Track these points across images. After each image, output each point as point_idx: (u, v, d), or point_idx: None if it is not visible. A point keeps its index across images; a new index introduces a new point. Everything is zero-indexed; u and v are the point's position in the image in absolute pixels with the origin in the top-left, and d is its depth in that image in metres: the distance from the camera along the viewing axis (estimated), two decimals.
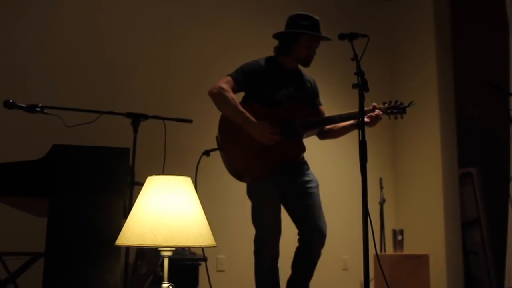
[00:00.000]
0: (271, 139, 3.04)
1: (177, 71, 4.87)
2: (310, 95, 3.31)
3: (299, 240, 3.12)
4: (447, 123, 5.67)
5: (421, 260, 4.69)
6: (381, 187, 5.23)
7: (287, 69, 3.26)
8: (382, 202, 5.19)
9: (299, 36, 3.17)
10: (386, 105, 3.17)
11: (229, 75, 3.19)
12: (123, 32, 4.68)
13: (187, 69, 4.91)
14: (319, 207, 3.14)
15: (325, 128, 3.34)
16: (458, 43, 6.08)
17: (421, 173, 5.72)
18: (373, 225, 2.42)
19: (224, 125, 3.15)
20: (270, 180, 3.08)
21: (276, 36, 3.28)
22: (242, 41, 5.21)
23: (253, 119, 3.04)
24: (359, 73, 2.54)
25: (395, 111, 3.15)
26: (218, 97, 3.12)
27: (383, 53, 6.22)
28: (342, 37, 2.64)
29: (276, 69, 3.23)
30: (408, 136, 5.92)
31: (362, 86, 2.52)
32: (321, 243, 3.09)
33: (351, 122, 3.18)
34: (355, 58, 2.57)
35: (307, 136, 3.26)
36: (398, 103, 3.16)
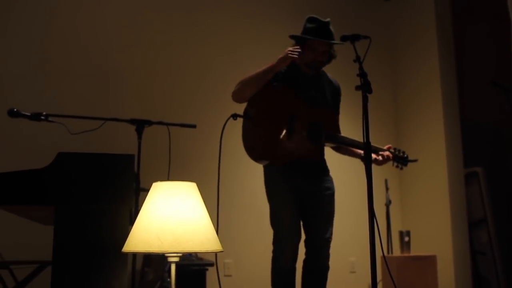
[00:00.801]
0: (295, 51, 3.01)
1: (180, 77, 4.87)
2: (331, 99, 3.29)
3: (306, 252, 3.13)
4: (451, 122, 5.66)
5: (429, 261, 4.68)
6: (387, 189, 5.21)
7: (307, 74, 3.23)
8: (388, 204, 5.18)
9: (305, 40, 3.13)
10: (396, 152, 3.32)
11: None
12: (125, 39, 4.70)
13: (190, 74, 4.92)
14: (333, 216, 3.17)
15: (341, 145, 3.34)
16: (460, 42, 6.07)
17: (426, 174, 5.70)
18: (379, 227, 2.41)
19: (258, 102, 3.14)
20: (288, 182, 3.07)
21: (291, 37, 3.24)
22: (245, 44, 5.22)
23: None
24: (362, 74, 2.54)
25: (400, 161, 3.33)
26: (239, 86, 3.15)
27: (385, 54, 6.22)
28: (344, 39, 2.63)
29: (295, 73, 3.20)
30: (412, 136, 5.90)
31: (365, 88, 2.52)
32: (328, 256, 3.13)
33: (361, 153, 3.19)
34: (358, 59, 2.56)
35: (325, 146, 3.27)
36: (405, 155, 3.36)
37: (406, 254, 4.75)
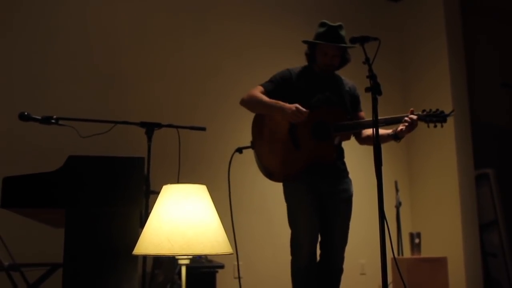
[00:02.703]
0: (301, 114, 2.98)
1: (190, 79, 4.89)
2: (348, 99, 3.27)
3: (321, 254, 3.12)
4: (461, 124, 5.63)
5: (440, 263, 4.65)
6: (397, 190, 5.20)
7: (321, 75, 3.24)
8: (398, 205, 5.16)
9: (316, 44, 3.16)
10: (425, 112, 3.09)
11: (260, 84, 3.21)
12: (134, 42, 4.72)
13: (200, 77, 4.93)
14: (349, 219, 3.15)
15: (363, 135, 3.28)
16: (470, 43, 6.04)
17: (436, 175, 5.68)
18: (389, 228, 2.40)
19: (257, 124, 3.18)
20: (302, 180, 3.06)
21: (304, 43, 3.26)
22: (254, 47, 5.23)
23: (284, 103, 3.03)
24: (372, 76, 2.53)
25: (435, 119, 3.06)
26: (248, 101, 3.16)
27: (395, 55, 6.20)
28: (353, 41, 2.63)
29: (309, 76, 3.22)
30: (423, 138, 5.88)
31: (375, 90, 2.51)
32: (343, 258, 3.13)
33: (389, 132, 3.09)
34: (367, 61, 2.55)
35: (341, 140, 3.21)
36: (438, 112, 3.07)
37: (416, 256, 4.72)
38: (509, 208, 5.92)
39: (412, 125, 2.99)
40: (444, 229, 5.50)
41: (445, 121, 3.07)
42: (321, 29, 3.14)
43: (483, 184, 6.02)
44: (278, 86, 3.18)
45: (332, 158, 3.13)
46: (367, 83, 2.53)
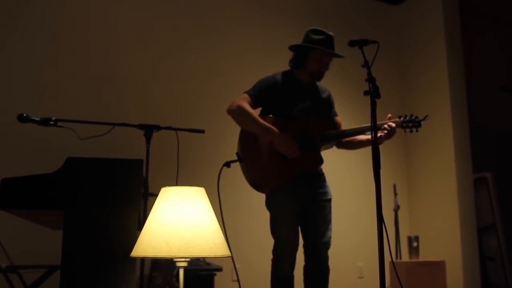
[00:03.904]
0: (294, 152, 3.07)
1: (188, 82, 4.89)
2: (326, 107, 3.34)
3: (305, 257, 3.15)
4: (459, 127, 5.64)
5: (438, 267, 4.65)
6: (395, 194, 5.20)
7: (303, 83, 3.29)
8: (396, 209, 5.16)
9: (310, 50, 3.19)
10: (402, 118, 3.16)
11: (246, 92, 3.23)
12: (133, 44, 4.72)
13: (198, 80, 4.93)
14: (329, 221, 3.19)
15: (343, 140, 3.35)
16: (469, 46, 6.06)
17: (435, 179, 5.68)
18: (388, 232, 2.40)
19: (244, 138, 3.20)
20: (288, 190, 3.10)
21: (290, 48, 3.31)
22: (252, 50, 5.24)
23: (275, 129, 3.08)
24: (371, 79, 2.54)
25: (410, 124, 3.14)
26: (237, 113, 3.16)
27: (394, 58, 6.21)
28: (352, 44, 2.63)
29: (292, 84, 3.26)
30: (421, 141, 5.89)
31: (373, 93, 2.51)
32: (327, 258, 3.14)
33: (368, 137, 3.19)
34: (366, 64, 2.56)
35: (325, 149, 3.29)
36: (413, 117, 3.16)
37: (414, 260, 4.72)
38: (507, 211, 5.93)
39: (391, 132, 3.10)
40: (442, 232, 5.50)
41: (420, 126, 3.17)
42: (319, 36, 3.18)
43: (481, 187, 6.02)
44: (263, 94, 3.21)
45: (318, 168, 3.21)
46: (366, 86, 2.53)
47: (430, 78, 5.86)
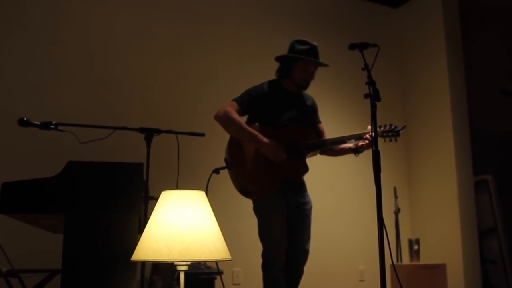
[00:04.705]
0: (280, 156, 3.17)
1: (189, 86, 4.89)
2: (310, 115, 3.45)
3: (287, 261, 3.22)
4: (460, 129, 5.63)
5: (439, 270, 4.65)
6: (396, 197, 5.19)
7: (289, 92, 3.39)
8: (397, 212, 5.16)
9: (296, 61, 3.29)
10: (382, 128, 3.29)
11: (234, 100, 3.33)
12: (133, 48, 4.72)
13: (199, 83, 4.93)
14: (309, 228, 3.32)
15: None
16: (469, 49, 6.06)
17: (435, 181, 5.68)
18: (388, 235, 2.40)
19: (232, 145, 3.29)
20: (276, 195, 3.20)
21: (277, 59, 3.41)
22: (252, 54, 5.24)
23: (263, 137, 3.17)
24: (371, 82, 2.54)
25: (390, 134, 3.28)
26: (224, 120, 3.25)
27: (394, 61, 6.21)
28: (352, 47, 2.63)
29: (279, 93, 3.36)
30: (421, 144, 5.88)
31: (374, 96, 2.52)
32: (305, 263, 3.29)
33: (350, 145, 3.33)
34: (366, 67, 2.56)
35: (310, 156, 3.39)
36: (392, 127, 3.29)
37: (415, 263, 4.72)
38: (508, 214, 5.92)
39: (371, 142, 3.14)
40: (443, 235, 5.49)
41: (398, 135, 3.30)
42: (304, 47, 3.29)
43: (482, 190, 6.02)
44: (251, 103, 3.30)
45: (303, 175, 3.33)
46: (366, 89, 2.53)
47: (430, 80, 5.86)
